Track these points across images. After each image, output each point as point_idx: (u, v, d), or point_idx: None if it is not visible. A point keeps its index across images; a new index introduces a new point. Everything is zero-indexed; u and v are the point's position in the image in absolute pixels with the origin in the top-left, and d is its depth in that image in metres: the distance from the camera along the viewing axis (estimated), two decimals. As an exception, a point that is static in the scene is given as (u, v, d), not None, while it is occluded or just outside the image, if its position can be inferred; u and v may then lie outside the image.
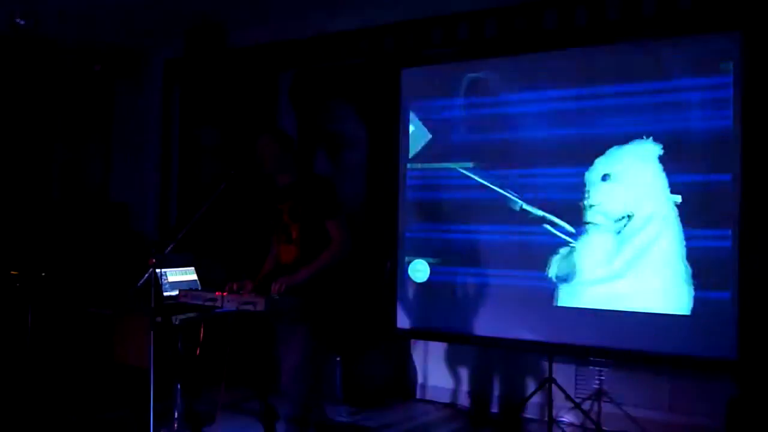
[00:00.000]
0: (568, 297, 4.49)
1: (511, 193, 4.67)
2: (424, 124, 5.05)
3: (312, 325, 3.35)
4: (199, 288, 4.13)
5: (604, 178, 4.39)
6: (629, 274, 4.28)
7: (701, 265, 4.10)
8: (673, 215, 4.17)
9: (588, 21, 4.53)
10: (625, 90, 4.35)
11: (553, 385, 4.40)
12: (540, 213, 4.53)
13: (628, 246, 4.29)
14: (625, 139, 4.32)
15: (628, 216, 4.30)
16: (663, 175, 4.21)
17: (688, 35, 4.19)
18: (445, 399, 5.12)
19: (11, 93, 6.86)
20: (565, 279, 4.49)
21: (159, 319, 3.54)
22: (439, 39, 5.08)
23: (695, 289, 4.11)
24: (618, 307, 4.31)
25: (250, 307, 3.24)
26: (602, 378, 4.47)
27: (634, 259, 4.27)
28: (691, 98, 4.16)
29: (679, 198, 4.15)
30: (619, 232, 4.32)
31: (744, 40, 4.02)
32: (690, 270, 4.12)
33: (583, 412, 4.44)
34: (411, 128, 5.10)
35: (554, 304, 4.53)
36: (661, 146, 4.21)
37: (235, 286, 3.44)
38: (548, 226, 4.52)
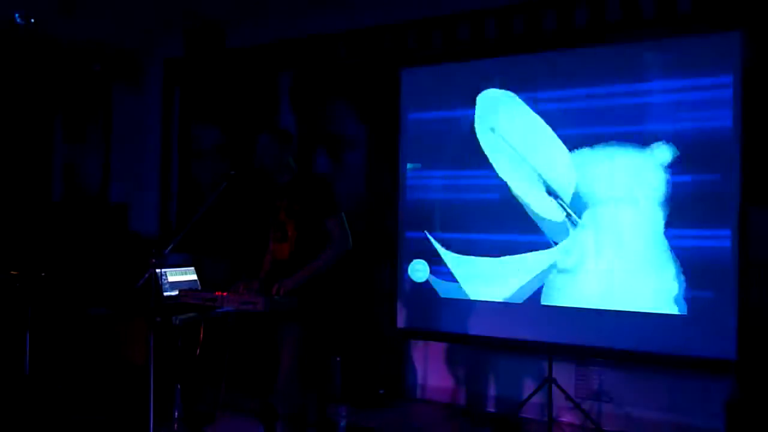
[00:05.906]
0: (567, 296, 4.49)
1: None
2: (424, 125, 5.06)
3: (308, 325, 3.35)
4: (199, 288, 4.13)
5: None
6: (628, 274, 4.29)
7: (700, 265, 4.10)
8: (670, 215, 4.19)
9: (588, 21, 4.53)
10: (624, 90, 4.35)
11: (553, 385, 4.41)
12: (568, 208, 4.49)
13: (624, 246, 4.30)
14: (624, 138, 4.33)
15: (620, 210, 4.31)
16: (660, 173, 4.22)
17: (688, 35, 4.20)
18: (445, 399, 5.11)
19: (11, 93, 6.86)
20: (564, 278, 4.49)
21: (159, 319, 3.54)
22: (439, 39, 5.08)
23: (694, 289, 4.11)
24: (617, 307, 4.31)
25: (249, 307, 3.24)
26: (602, 378, 4.47)
27: (632, 259, 4.27)
28: (691, 98, 4.17)
29: (677, 199, 4.17)
30: (613, 226, 4.33)
31: (744, 40, 4.02)
32: (689, 270, 4.13)
33: (583, 412, 4.44)
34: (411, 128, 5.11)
35: (553, 303, 4.53)
36: (661, 146, 4.23)
37: (241, 288, 3.44)
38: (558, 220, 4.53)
